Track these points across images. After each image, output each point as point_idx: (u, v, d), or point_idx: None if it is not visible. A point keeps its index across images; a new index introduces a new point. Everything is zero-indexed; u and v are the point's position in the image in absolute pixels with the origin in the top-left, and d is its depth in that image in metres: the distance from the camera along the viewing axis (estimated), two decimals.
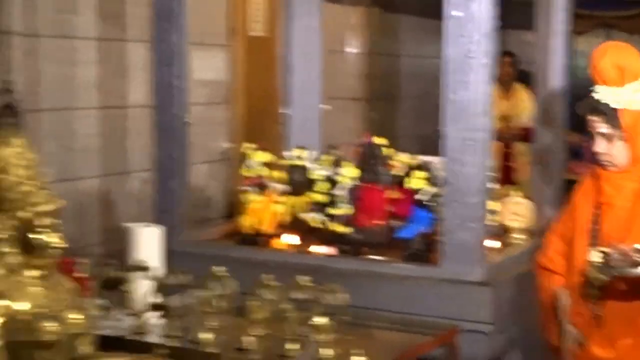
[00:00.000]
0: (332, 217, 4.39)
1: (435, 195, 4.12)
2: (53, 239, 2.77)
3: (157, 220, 4.32)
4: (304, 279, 3.11)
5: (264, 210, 4.50)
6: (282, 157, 4.67)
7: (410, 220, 4.21)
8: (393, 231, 4.29)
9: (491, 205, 4.14)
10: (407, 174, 4.26)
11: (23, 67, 4.40)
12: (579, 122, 3.45)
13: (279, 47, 5.58)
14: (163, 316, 3.32)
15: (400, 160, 4.38)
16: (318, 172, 4.47)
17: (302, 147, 4.64)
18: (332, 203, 4.39)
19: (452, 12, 3.86)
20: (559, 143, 4.91)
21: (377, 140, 4.40)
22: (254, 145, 4.61)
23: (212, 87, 5.71)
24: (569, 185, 3.79)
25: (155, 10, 4.48)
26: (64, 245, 2.81)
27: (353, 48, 7.35)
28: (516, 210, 4.66)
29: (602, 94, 3.24)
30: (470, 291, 3.88)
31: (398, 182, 4.31)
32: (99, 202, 4.92)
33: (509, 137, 7.47)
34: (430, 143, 4.67)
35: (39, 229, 2.75)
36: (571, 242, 3.40)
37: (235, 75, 5.86)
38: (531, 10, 4.93)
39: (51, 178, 2.90)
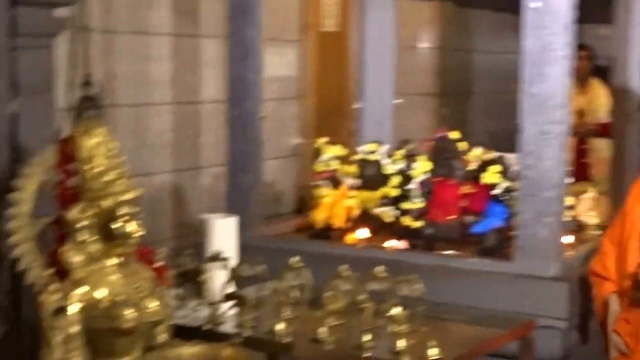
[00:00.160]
0: (405, 212, 4.38)
1: (509, 190, 4.08)
2: (133, 227, 2.81)
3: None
4: (380, 270, 3.10)
5: (336, 204, 4.51)
6: (355, 152, 4.68)
7: (485, 215, 4.18)
8: (466, 226, 4.27)
9: (567, 200, 4.09)
10: (481, 169, 4.23)
11: (100, 63, 4.46)
12: None
13: (352, 42, 5.58)
14: (238, 306, 3.33)
15: (474, 155, 4.35)
16: (391, 166, 4.46)
17: (376, 142, 4.63)
18: (404, 197, 4.38)
19: (531, 3, 3.82)
20: (636, 139, 4.84)
21: (452, 134, 4.37)
22: (327, 140, 4.62)
23: (284, 83, 5.73)
24: None
25: (231, 5, 4.52)
26: (142, 233, 2.84)
27: (426, 43, 7.32)
28: (592, 207, 4.61)
29: None
30: (545, 287, 3.84)
31: (471, 176, 4.28)
32: (171, 197, 4.97)
33: (585, 132, 7.36)
34: (502, 139, 4.63)
35: (120, 218, 2.79)
36: (623, 246, 3.36)
37: (307, 71, 5.87)
38: (607, 3, 4.87)
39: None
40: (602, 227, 4.58)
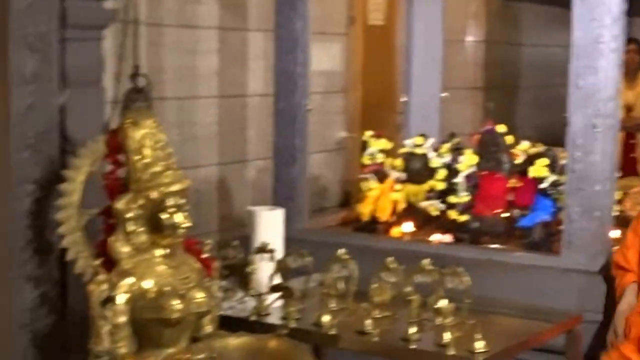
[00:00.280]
0: (450, 206, 4.36)
1: (557, 184, 4.05)
2: (180, 219, 2.82)
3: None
4: (426, 262, 3.09)
5: (381, 198, 4.50)
6: (401, 145, 4.66)
7: (532, 208, 4.15)
8: (512, 220, 4.24)
9: (615, 194, 4.05)
10: (528, 162, 4.20)
11: (148, 56, 4.49)
12: None
13: (398, 36, 5.56)
14: (284, 298, 3.34)
15: (521, 148, 4.33)
16: (437, 160, 4.44)
17: (422, 135, 4.62)
18: (451, 191, 4.36)
19: None
20: None
21: (499, 128, 4.35)
22: (373, 133, 4.61)
23: (330, 76, 5.73)
24: None
25: None
26: (190, 224, 2.85)
27: (473, 36, 7.28)
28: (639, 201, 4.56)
29: None
30: (592, 281, 3.81)
31: (518, 170, 4.25)
32: (217, 190, 4.99)
33: (633, 127, 7.28)
34: (549, 133, 4.59)
35: (168, 209, 2.80)
36: None
37: (353, 64, 5.86)
38: None
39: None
40: None
